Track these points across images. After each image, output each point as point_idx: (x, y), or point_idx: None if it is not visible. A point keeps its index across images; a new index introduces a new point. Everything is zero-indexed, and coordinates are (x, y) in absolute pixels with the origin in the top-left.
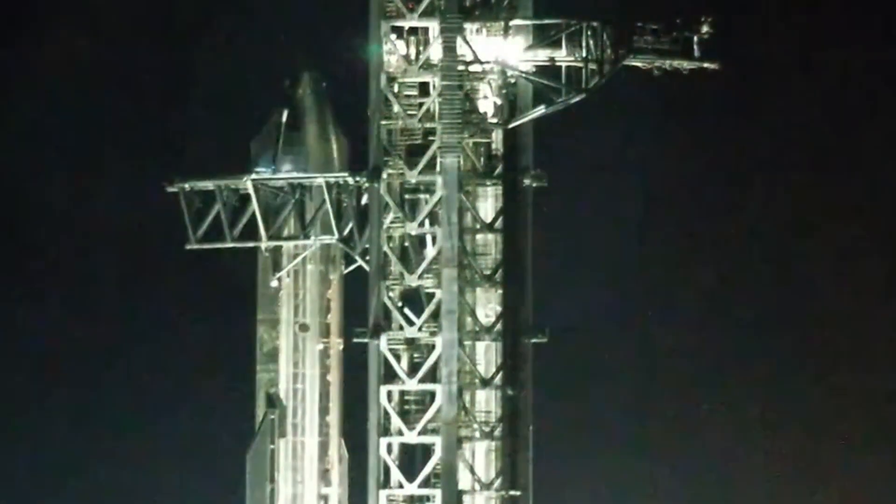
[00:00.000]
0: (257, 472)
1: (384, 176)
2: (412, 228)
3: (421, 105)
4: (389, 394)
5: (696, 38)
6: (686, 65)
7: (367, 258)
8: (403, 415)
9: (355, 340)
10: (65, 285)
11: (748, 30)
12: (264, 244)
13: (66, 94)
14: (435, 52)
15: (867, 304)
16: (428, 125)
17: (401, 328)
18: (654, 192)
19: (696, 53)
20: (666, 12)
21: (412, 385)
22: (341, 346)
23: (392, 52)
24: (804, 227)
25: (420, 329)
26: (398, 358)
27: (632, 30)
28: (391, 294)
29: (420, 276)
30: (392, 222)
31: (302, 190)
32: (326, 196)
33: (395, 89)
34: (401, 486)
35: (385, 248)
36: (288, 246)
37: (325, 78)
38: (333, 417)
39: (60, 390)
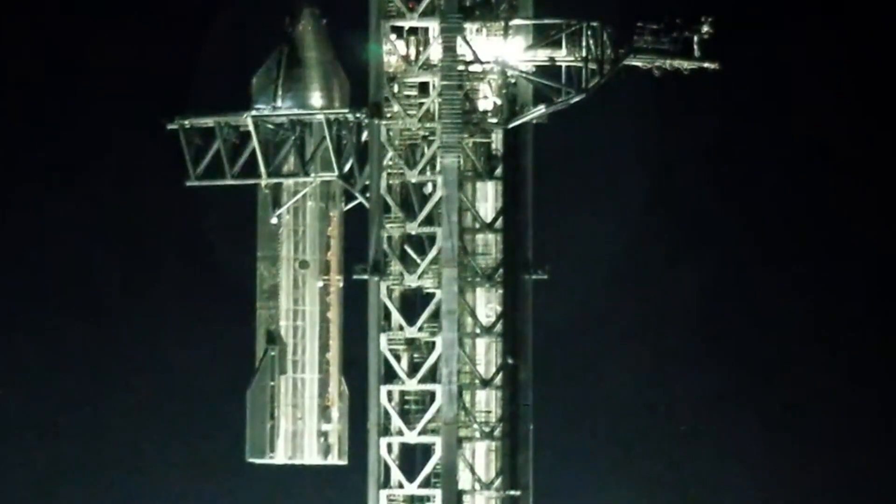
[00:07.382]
0: (257, 408)
1: (385, 177)
2: (412, 229)
3: (421, 105)
4: (389, 394)
5: (696, 38)
6: (686, 65)
7: (367, 195)
8: (403, 415)
9: (355, 277)
10: (65, 224)
11: (748, 30)
12: (264, 181)
13: (63, 31)
14: (435, 52)
15: (869, 305)
16: (428, 125)
17: (401, 328)
18: (653, 191)
19: (696, 53)
20: (666, 12)
21: (412, 385)
22: (341, 283)
23: (392, 52)
24: (805, 225)
25: (420, 329)
26: (398, 358)
27: (632, 30)
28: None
29: (420, 277)
30: (392, 222)
31: (302, 126)
32: (327, 133)
33: (396, 89)
34: (401, 486)
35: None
36: (288, 183)
37: (324, 14)
38: (333, 354)
39: (67, 326)
